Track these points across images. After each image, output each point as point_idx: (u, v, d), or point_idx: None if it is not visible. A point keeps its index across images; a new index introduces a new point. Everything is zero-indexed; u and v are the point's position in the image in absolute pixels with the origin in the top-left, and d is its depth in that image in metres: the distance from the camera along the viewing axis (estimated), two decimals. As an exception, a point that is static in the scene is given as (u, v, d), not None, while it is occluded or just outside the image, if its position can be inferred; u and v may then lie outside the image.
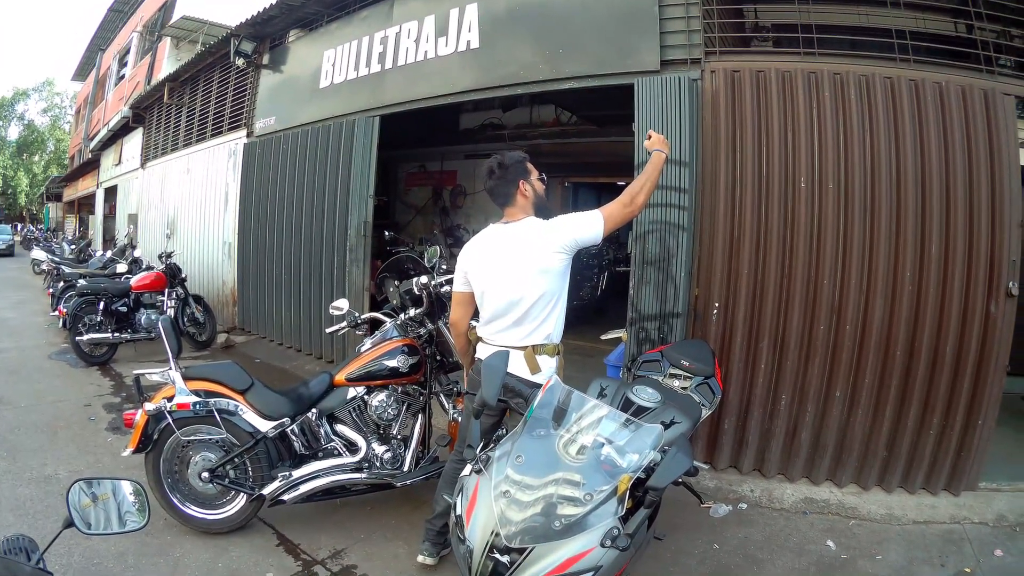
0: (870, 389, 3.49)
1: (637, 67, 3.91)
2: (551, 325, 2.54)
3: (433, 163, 10.18)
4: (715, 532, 3.25)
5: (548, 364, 2.54)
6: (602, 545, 1.61)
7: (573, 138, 7.76)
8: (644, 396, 2.42)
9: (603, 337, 4.14)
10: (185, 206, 9.71)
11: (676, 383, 3.03)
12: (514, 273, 2.50)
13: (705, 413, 2.95)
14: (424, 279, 3.38)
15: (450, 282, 3.28)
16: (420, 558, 2.87)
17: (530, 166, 2.64)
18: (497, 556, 1.67)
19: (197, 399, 3.06)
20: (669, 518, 3.10)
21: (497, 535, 1.67)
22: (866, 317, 3.46)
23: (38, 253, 14.56)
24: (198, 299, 7.45)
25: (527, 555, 1.64)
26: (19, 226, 35.58)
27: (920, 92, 3.39)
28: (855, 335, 3.48)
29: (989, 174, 3.32)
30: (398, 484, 3.19)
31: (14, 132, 43.97)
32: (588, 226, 2.47)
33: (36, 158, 43.81)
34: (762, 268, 3.59)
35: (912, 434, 3.47)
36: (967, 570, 2.89)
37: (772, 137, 3.56)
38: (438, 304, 3.43)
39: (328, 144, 6.15)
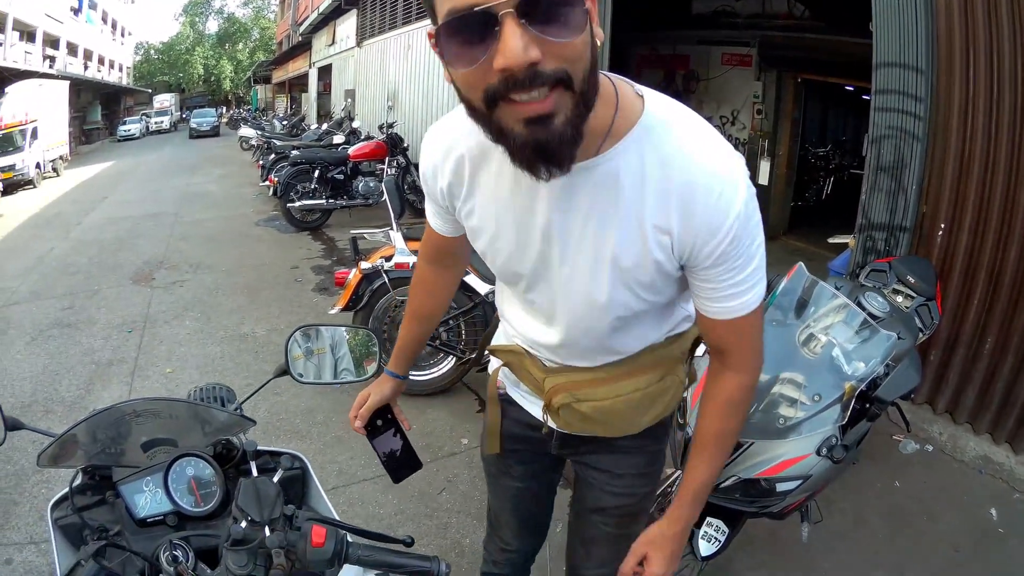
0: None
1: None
2: None
3: (665, 47, 9.88)
4: (899, 469, 3.11)
5: None
6: (817, 453, 1.54)
7: (806, 32, 7.31)
8: (875, 304, 2.30)
9: (830, 240, 3.98)
10: (406, 81, 9.74)
11: (899, 299, 2.85)
12: None
13: (921, 337, 2.77)
14: None
15: None
16: None
17: None
18: None
19: None
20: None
21: None
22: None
23: (246, 131, 14.94)
24: None
25: (744, 450, 1.57)
26: (224, 109, 39.34)
27: None
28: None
29: None
30: None
31: (213, 25, 48.76)
32: None
33: (240, 46, 48.30)
34: (988, 196, 3.26)
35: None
36: None
37: (1003, 61, 3.13)
38: None
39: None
